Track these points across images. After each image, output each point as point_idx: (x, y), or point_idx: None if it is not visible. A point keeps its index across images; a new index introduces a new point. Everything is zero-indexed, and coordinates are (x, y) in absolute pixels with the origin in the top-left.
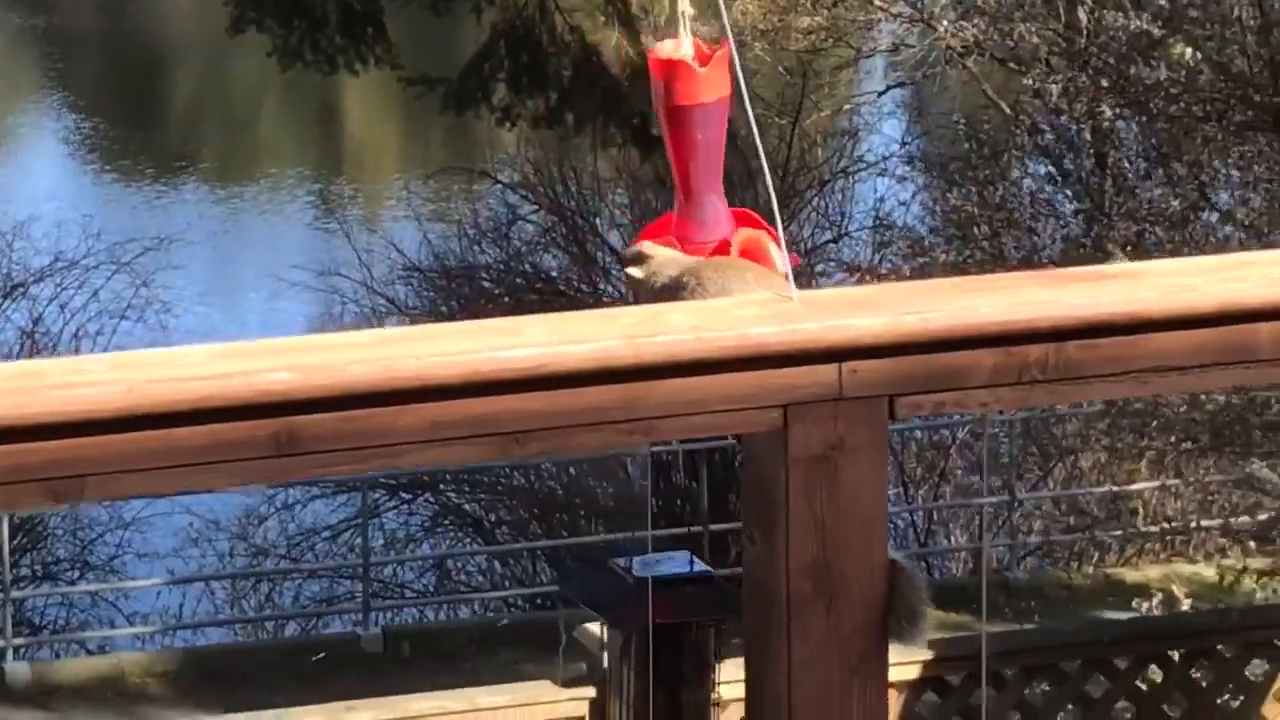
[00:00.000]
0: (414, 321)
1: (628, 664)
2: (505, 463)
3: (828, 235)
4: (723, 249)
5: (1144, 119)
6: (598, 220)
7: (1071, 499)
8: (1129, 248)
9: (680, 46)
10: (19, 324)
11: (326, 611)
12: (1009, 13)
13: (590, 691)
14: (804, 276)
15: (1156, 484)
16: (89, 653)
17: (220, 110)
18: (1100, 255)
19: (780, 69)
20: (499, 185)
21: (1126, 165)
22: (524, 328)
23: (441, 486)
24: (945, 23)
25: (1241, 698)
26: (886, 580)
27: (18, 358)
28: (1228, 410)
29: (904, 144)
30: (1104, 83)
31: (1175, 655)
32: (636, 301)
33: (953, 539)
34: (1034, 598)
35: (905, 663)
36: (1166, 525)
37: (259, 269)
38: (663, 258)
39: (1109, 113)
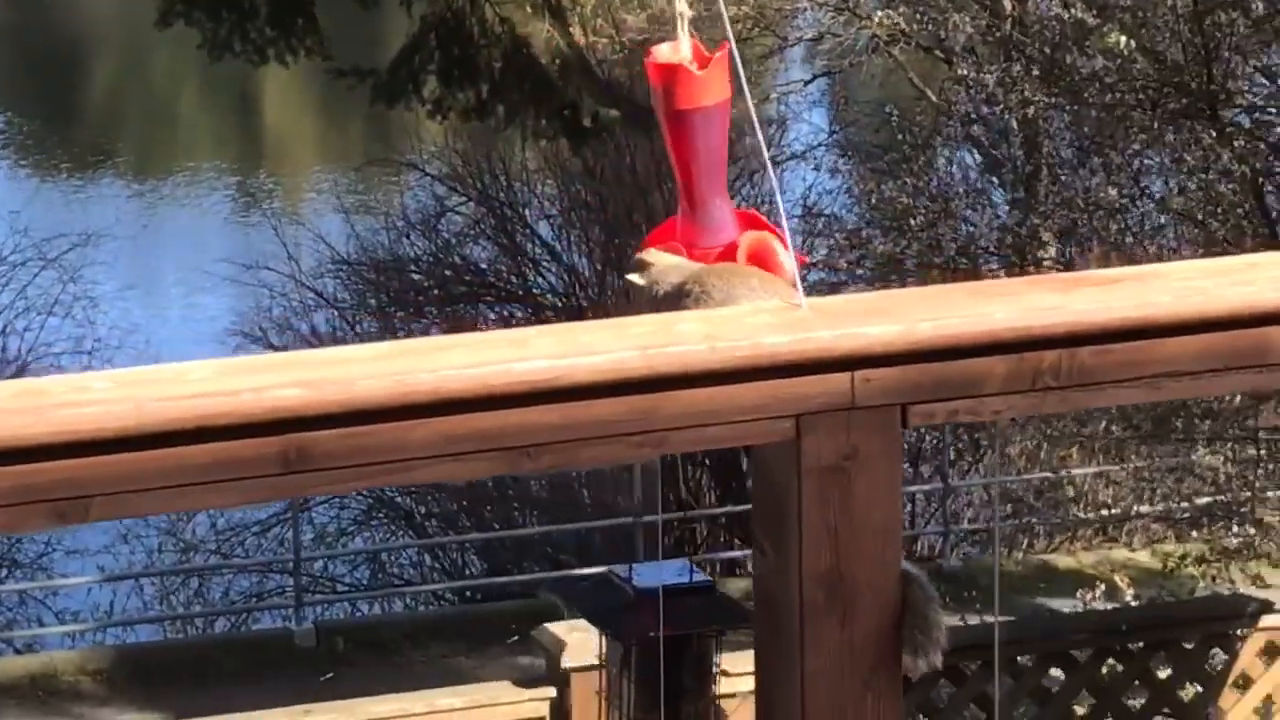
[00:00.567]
0: (342, 315)
1: (628, 676)
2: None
3: None
4: (729, 253)
5: (1077, 108)
6: (527, 211)
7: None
8: (1064, 236)
9: (679, 49)
10: None
11: (258, 607)
12: (938, 1)
13: (551, 692)
14: None
15: (1097, 469)
16: (18, 652)
17: (136, 104)
18: (1035, 243)
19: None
20: (427, 177)
21: (1060, 154)
22: (533, 339)
23: None
24: (873, 13)
25: (1200, 688)
26: (900, 591)
27: None
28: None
29: (831, 133)
30: (1036, 71)
31: (1135, 647)
32: (634, 310)
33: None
34: (970, 587)
35: None
36: (1107, 512)
37: (184, 263)
38: (664, 265)
39: (1042, 102)
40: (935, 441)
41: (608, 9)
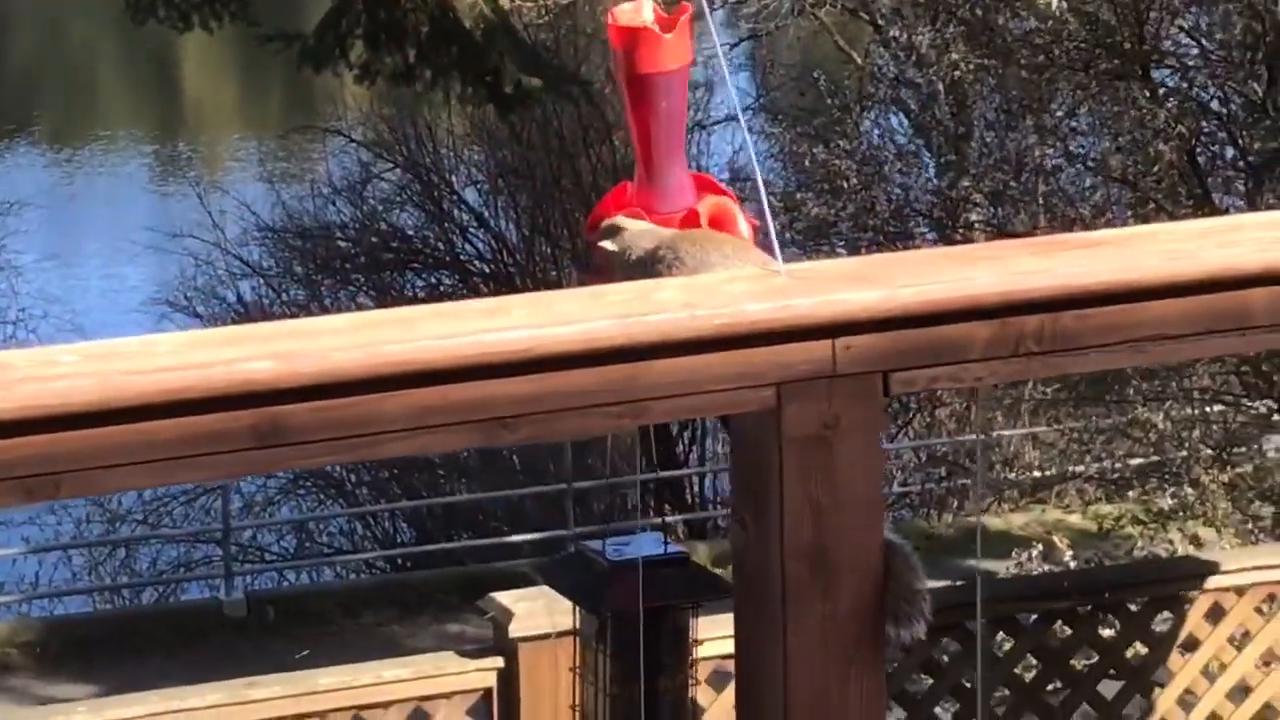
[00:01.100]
0: (268, 282)
1: (603, 650)
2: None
3: None
4: (690, 218)
5: (1009, 69)
6: (454, 178)
7: (930, 449)
8: (995, 198)
9: (640, 11)
10: None
11: (187, 578)
12: None
13: (498, 662)
14: None
15: (1040, 430)
16: None
17: (53, 71)
18: (966, 206)
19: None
20: (352, 143)
21: (990, 116)
22: (509, 308)
23: None
24: None
25: (1147, 651)
26: (883, 562)
27: None
28: None
29: (758, 97)
30: (966, 33)
31: (1081, 610)
32: (604, 278)
33: None
34: None
35: None
36: (1040, 474)
37: (106, 232)
38: (636, 230)
39: (973, 64)
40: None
41: None
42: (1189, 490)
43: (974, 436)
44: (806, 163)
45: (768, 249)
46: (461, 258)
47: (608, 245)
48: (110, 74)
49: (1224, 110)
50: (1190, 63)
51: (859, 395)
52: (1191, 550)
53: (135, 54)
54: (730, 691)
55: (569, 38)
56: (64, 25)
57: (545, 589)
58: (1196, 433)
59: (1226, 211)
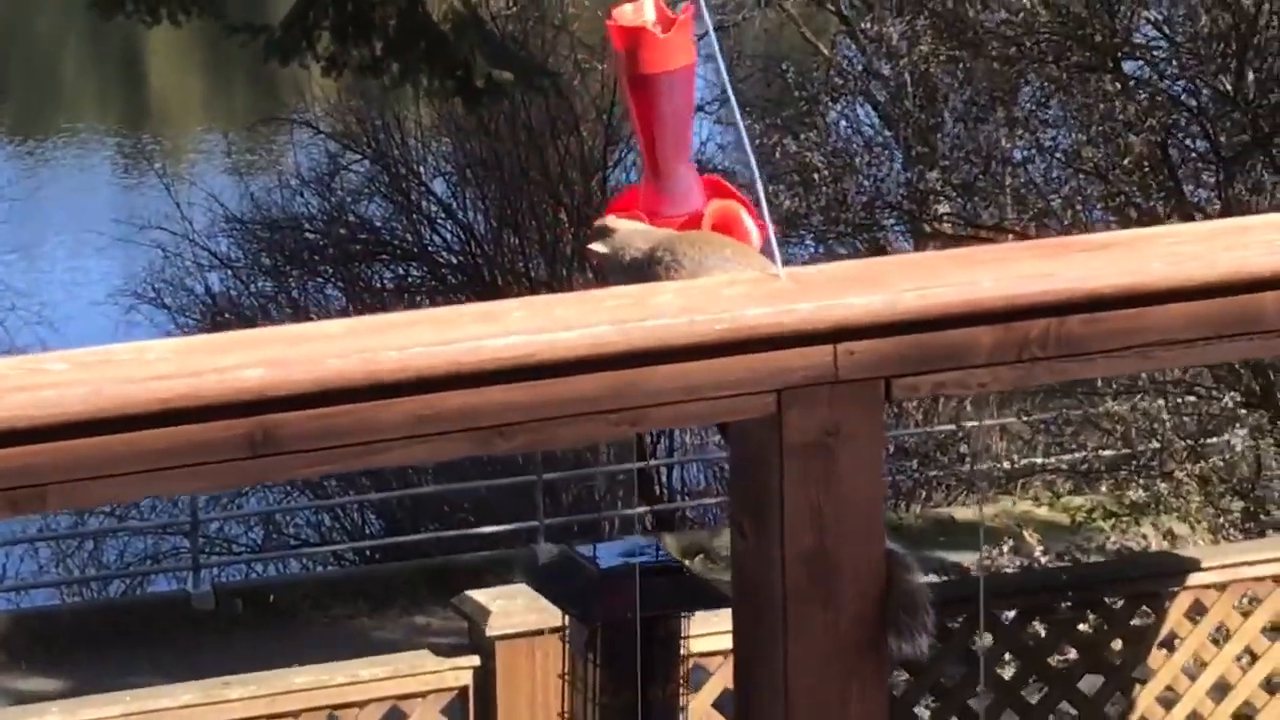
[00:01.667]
0: (236, 274)
1: (593, 658)
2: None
3: None
4: (694, 222)
5: (979, 61)
6: (422, 169)
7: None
8: (965, 189)
9: (641, 10)
10: None
11: (155, 570)
12: None
13: (474, 660)
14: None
15: (1009, 420)
16: None
17: (16, 64)
18: (937, 198)
19: (600, 13)
20: (319, 135)
21: (961, 108)
22: (504, 313)
23: None
24: None
25: (1128, 648)
26: (885, 572)
27: None
28: None
29: (723, 89)
30: (937, 24)
31: (1061, 607)
32: (601, 280)
33: None
34: None
35: None
36: (1010, 465)
37: (71, 224)
38: (628, 230)
39: (945, 56)
40: None
41: None
42: (1161, 485)
43: (951, 427)
44: (776, 154)
45: (767, 252)
46: (429, 249)
47: (598, 248)
48: (75, 66)
49: (1194, 103)
50: (1161, 55)
51: (861, 401)
52: (1165, 545)
53: (100, 46)
54: (708, 690)
55: (536, 29)
56: (28, 19)
57: (522, 587)
58: (1169, 425)
59: (1198, 204)
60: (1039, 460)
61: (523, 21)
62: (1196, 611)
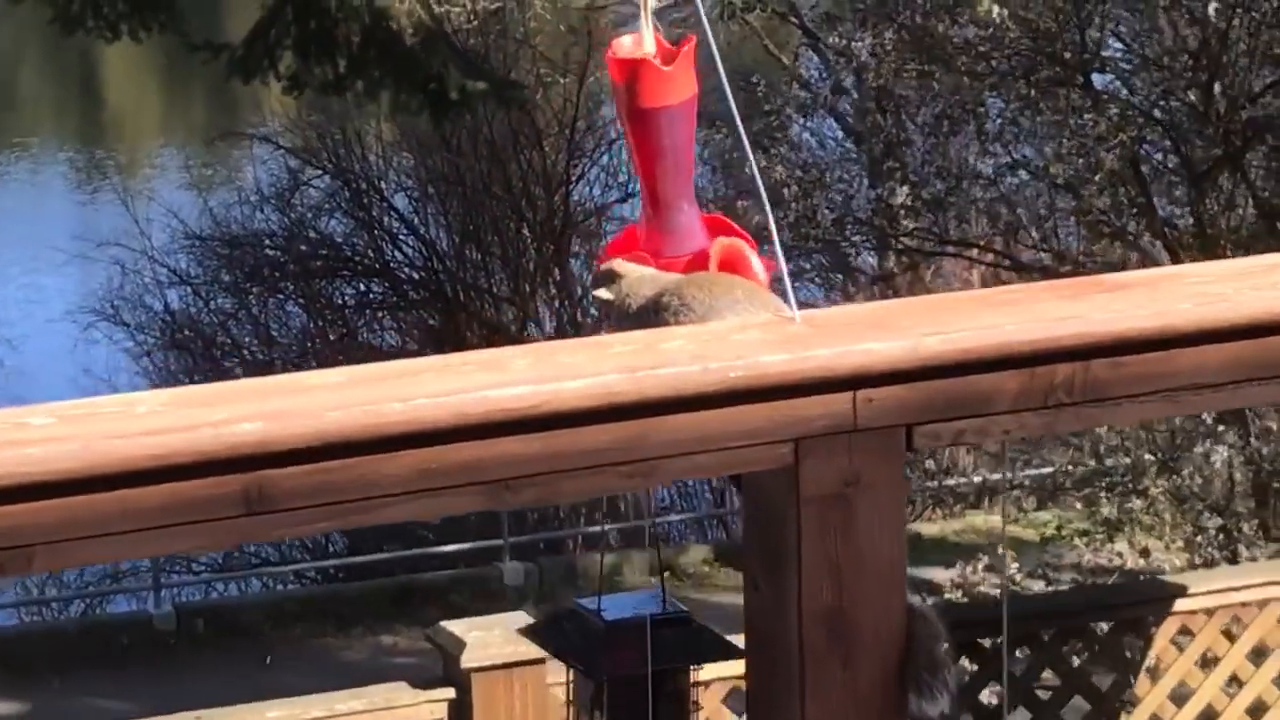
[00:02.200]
0: (196, 291)
1: (599, 715)
2: None
3: (614, 194)
4: (700, 260)
5: (949, 76)
6: (383, 184)
7: None
8: (935, 205)
9: (641, 42)
10: None
11: (115, 590)
12: None
13: (450, 693)
14: (596, 237)
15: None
16: None
17: None
18: (907, 213)
19: (562, 27)
20: (279, 150)
21: (931, 124)
22: (508, 361)
23: None
24: None
25: (1114, 675)
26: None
27: None
28: None
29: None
30: (902, 39)
31: (1046, 634)
32: (607, 325)
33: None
34: None
35: None
36: (981, 479)
37: (28, 240)
38: (635, 276)
39: (914, 71)
40: None
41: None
42: (1136, 501)
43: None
44: (746, 169)
45: (777, 290)
46: (391, 265)
47: (604, 294)
48: (31, 82)
49: (1166, 117)
50: (1130, 69)
51: (881, 451)
52: (1142, 563)
53: (57, 62)
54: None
55: (499, 43)
56: None
57: (499, 617)
58: (1143, 439)
59: (1168, 219)
60: (1008, 475)
61: (484, 35)
62: (1184, 637)
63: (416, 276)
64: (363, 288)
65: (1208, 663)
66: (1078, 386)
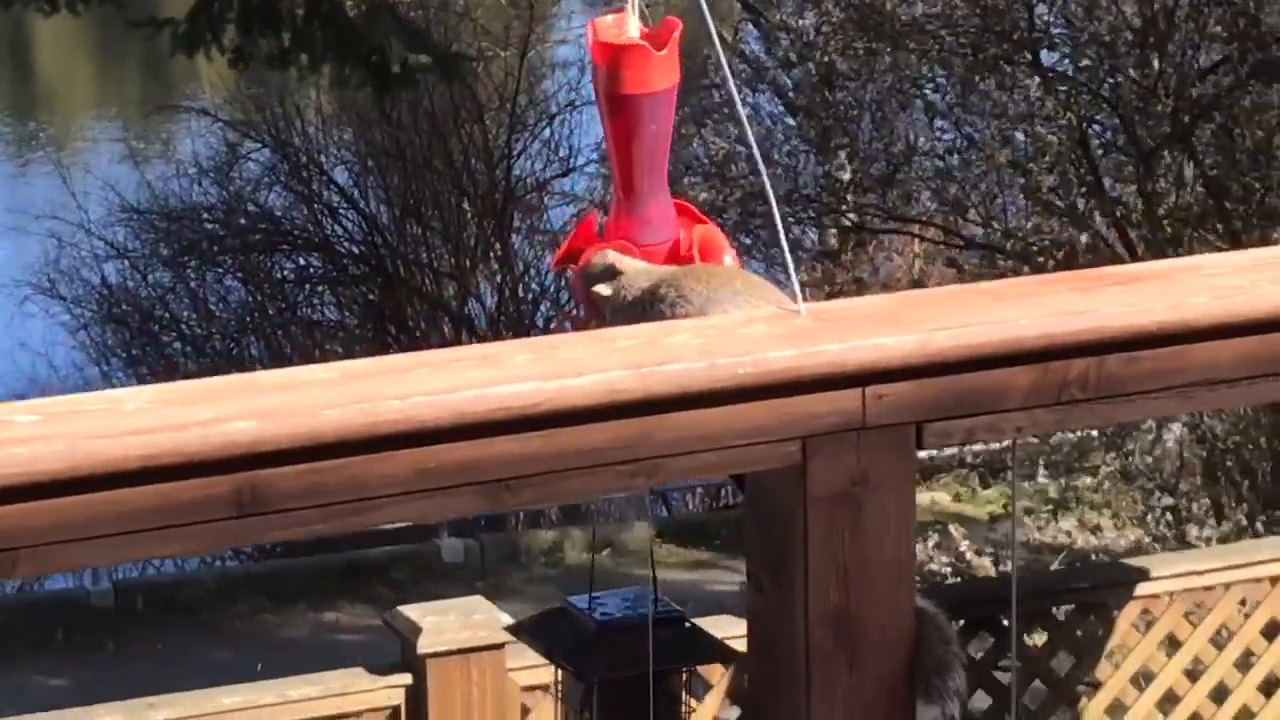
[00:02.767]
0: (134, 264)
1: (589, 715)
2: None
3: (556, 169)
4: (675, 249)
5: (897, 53)
6: (323, 158)
7: None
8: (883, 182)
9: (624, 24)
10: None
11: None
12: None
13: (406, 679)
14: (537, 211)
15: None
16: None
17: None
18: (856, 190)
19: (503, 0)
20: (216, 123)
21: (878, 100)
22: (506, 356)
23: None
24: None
25: (1074, 659)
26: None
27: None
28: None
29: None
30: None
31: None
32: (600, 321)
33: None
34: None
35: None
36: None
37: None
38: (634, 270)
39: (860, 49)
40: None
41: None
42: (1085, 479)
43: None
44: (694, 145)
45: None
46: (331, 239)
47: (602, 290)
48: None
49: (1114, 95)
50: (1078, 47)
51: (891, 449)
52: (1093, 541)
53: None
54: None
55: (440, 17)
56: None
57: (455, 601)
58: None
59: (1118, 198)
60: (953, 452)
61: (425, 9)
62: (1145, 621)
63: (356, 251)
64: (302, 262)
65: (1170, 646)
66: (1092, 382)
